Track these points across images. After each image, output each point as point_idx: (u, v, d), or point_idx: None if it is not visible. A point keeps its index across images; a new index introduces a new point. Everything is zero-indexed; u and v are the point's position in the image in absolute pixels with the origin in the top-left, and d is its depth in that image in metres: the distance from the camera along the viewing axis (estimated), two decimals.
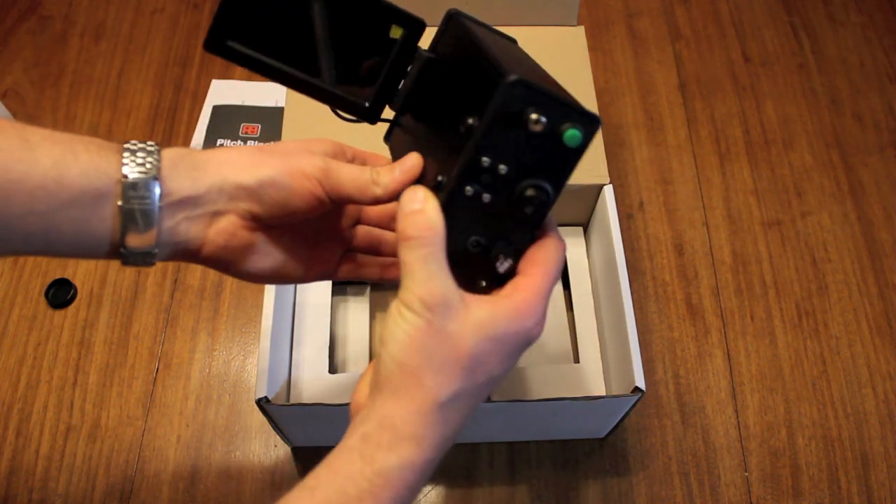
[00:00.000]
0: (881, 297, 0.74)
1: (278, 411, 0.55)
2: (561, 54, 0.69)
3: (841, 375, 0.70)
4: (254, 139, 0.84)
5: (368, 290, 0.71)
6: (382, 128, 0.46)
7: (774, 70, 0.91)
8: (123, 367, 0.70)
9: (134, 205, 0.35)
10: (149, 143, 0.37)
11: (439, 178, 0.37)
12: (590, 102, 0.66)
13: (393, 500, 0.34)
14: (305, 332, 0.64)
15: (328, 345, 0.63)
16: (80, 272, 0.75)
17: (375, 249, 0.47)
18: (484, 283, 0.39)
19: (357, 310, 0.70)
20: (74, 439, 0.66)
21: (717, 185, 0.82)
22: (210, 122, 0.85)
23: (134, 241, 0.36)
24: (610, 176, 0.63)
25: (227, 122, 0.85)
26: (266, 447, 0.66)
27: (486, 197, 0.36)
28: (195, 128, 0.85)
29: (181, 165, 0.37)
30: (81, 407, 0.68)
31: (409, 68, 0.42)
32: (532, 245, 0.38)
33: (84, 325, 0.72)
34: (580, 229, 0.70)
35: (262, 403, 0.53)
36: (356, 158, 0.44)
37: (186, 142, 0.84)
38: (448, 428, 0.35)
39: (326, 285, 0.66)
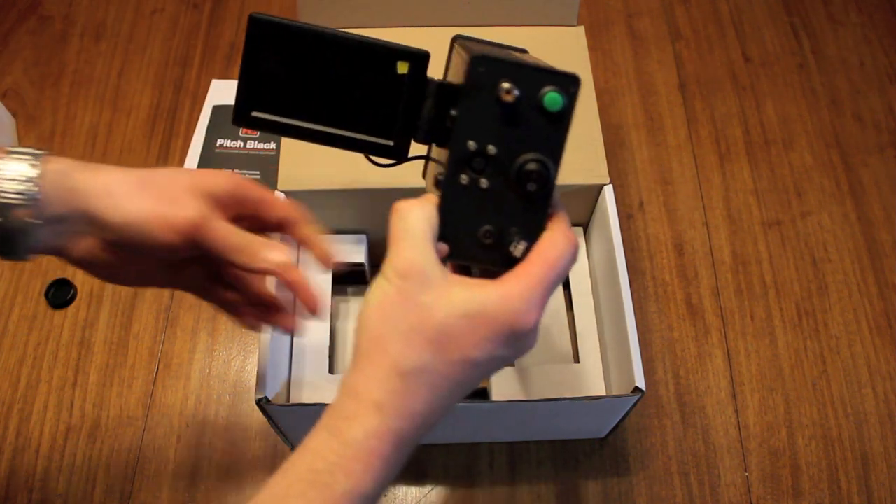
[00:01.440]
0: (881, 297, 0.74)
1: (278, 411, 0.55)
2: (561, 54, 0.69)
3: (841, 375, 0.70)
4: (253, 139, 0.84)
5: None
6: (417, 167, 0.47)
7: (774, 70, 0.91)
8: (123, 367, 0.70)
9: (9, 218, 0.37)
10: (33, 152, 0.38)
11: (438, 175, 0.37)
12: (590, 102, 0.66)
13: (366, 472, 0.33)
14: (305, 332, 0.64)
15: (328, 345, 0.63)
16: (80, 272, 0.75)
17: (241, 287, 0.47)
18: (502, 271, 0.38)
19: (357, 310, 0.70)
20: (74, 439, 0.66)
21: (717, 185, 0.82)
22: (210, 122, 0.85)
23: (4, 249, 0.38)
24: (610, 176, 0.63)
25: (227, 122, 0.85)
26: (266, 447, 0.66)
27: (484, 182, 0.36)
28: (195, 128, 0.85)
29: (60, 185, 0.38)
30: (81, 407, 0.68)
31: (424, 100, 0.43)
32: (543, 233, 0.37)
33: (84, 325, 0.72)
34: (580, 229, 0.70)
35: (262, 403, 0.53)
36: (262, 202, 0.44)
37: (186, 142, 0.84)
38: (414, 401, 0.34)
39: (327, 285, 0.66)
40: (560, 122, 0.36)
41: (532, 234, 0.37)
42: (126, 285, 0.44)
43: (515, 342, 0.35)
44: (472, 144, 0.35)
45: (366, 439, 0.33)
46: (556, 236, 0.37)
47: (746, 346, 0.72)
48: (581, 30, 0.70)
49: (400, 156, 0.44)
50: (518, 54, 0.39)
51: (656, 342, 0.71)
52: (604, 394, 0.63)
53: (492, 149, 0.35)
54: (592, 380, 0.63)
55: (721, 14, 0.96)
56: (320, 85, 0.41)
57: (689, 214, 0.80)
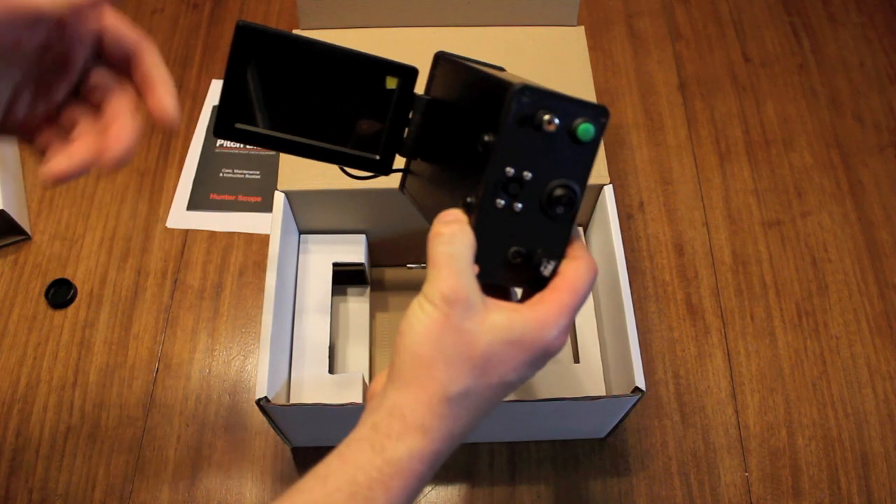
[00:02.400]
0: (881, 297, 0.74)
1: (278, 411, 0.55)
2: (561, 54, 0.69)
3: (841, 375, 0.70)
4: None
5: (368, 290, 0.71)
6: (395, 177, 0.47)
7: (774, 70, 0.91)
8: (123, 367, 0.70)
9: None
10: None
11: (469, 199, 0.37)
12: None
13: (403, 490, 0.34)
14: (305, 331, 0.64)
15: (328, 345, 0.63)
16: (80, 272, 0.75)
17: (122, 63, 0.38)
18: (530, 290, 0.39)
19: (357, 310, 0.70)
20: (74, 439, 0.66)
21: (717, 185, 0.82)
22: (210, 121, 0.85)
23: None
24: (610, 176, 0.63)
25: None
26: (266, 447, 0.66)
27: (518, 206, 0.37)
28: (195, 128, 0.85)
29: None
30: (81, 407, 0.68)
31: (410, 115, 0.43)
32: (565, 260, 0.39)
33: (84, 325, 0.72)
34: (580, 229, 0.71)
35: (262, 403, 0.53)
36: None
37: (186, 142, 0.84)
38: (456, 424, 0.36)
39: (326, 285, 0.66)
40: (589, 150, 0.37)
41: (558, 254, 0.39)
42: None
43: (543, 362, 0.38)
44: (510, 171, 0.36)
45: (409, 460, 0.34)
46: (580, 265, 0.38)
47: (746, 346, 0.72)
48: (581, 30, 0.70)
49: (385, 169, 0.44)
50: (500, 73, 0.39)
51: (656, 342, 0.71)
52: (604, 394, 0.63)
53: (528, 175, 0.37)
54: (592, 380, 0.63)
55: (721, 14, 0.96)
56: (307, 97, 0.41)
57: (689, 214, 0.80)
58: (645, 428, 0.67)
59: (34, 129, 0.39)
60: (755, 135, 0.86)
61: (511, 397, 0.61)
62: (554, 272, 0.39)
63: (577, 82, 0.67)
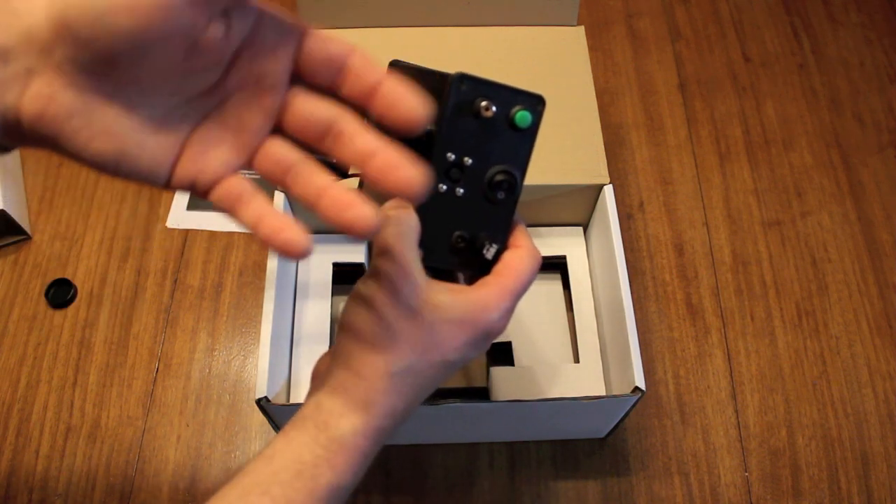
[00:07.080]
0: (881, 297, 0.74)
1: (278, 411, 0.55)
2: (561, 54, 0.69)
3: (841, 375, 0.70)
4: None
5: None
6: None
7: (774, 70, 0.91)
8: (123, 367, 0.70)
9: None
10: None
11: None
12: (590, 102, 0.66)
13: (348, 466, 0.35)
14: (305, 331, 0.64)
15: (328, 345, 0.63)
16: (80, 272, 0.75)
17: (320, 132, 0.32)
18: (473, 274, 0.40)
19: None
20: (74, 439, 0.66)
21: (717, 185, 0.82)
22: None
23: None
24: (610, 176, 0.63)
25: None
26: None
27: (460, 191, 0.39)
28: None
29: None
30: (81, 407, 0.68)
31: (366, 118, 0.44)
32: (508, 250, 0.40)
33: (84, 325, 0.72)
34: (580, 229, 0.71)
35: (262, 403, 0.53)
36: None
37: None
38: (399, 400, 0.36)
39: (326, 284, 0.66)
40: (528, 136, 0.39)
41: (500, 239, 0.40)
42: (103, 169, 0.29)
43: (485, 344, 0.39)
44: (451, 156, 0.38)
45: (353, 437, 0.35)
46: (523, 252, 0.40)
47: (746, 346, 0.72)
48: (581, 30, 0.70)
49: (341, 172, 0.45)
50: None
51: (656, 342, 0.71)
52: (604, 394, 0.63)
53: (468, 160, 0.38)
54: (592, 380, 0.63)
55: (721, 14, 0.96)
56: None
57: (689, 214, 0.80)
58: (645, 428, 0.67)
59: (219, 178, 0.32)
60: (755, 135, 0.86)
61: (511, 397, 0.61)
62: (497, 256, 0.40)
63: (577, 82, 0.67)
